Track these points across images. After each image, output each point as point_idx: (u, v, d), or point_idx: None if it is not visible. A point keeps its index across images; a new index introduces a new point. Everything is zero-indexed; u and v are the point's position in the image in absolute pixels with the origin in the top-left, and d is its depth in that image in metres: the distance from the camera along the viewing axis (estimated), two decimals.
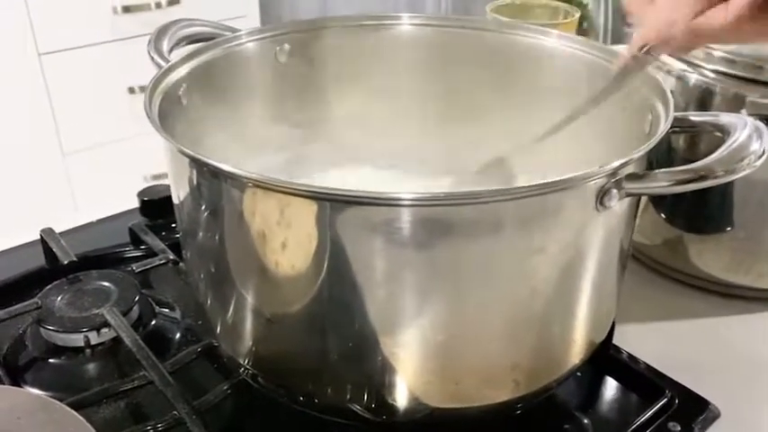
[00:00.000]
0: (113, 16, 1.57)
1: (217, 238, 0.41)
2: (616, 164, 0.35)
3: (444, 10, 2.21)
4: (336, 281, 0.38)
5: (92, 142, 1.63)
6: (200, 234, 0.42)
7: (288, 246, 0.38)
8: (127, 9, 1.58)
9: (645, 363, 0.51)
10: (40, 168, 1.57)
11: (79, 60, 1.56)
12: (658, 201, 0.61)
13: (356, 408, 0.42)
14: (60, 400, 0.42)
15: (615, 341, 0.51)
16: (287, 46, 0.54)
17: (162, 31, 0.51)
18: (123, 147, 1.64)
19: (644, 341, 0.56)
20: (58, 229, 0.62)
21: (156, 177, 1.63)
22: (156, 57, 0.49)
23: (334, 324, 0.40)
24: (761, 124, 0.38)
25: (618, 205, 0.37)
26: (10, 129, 1.51)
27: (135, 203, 0.67)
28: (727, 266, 0.59)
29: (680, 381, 0.50)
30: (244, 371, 0.45)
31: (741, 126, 0.38)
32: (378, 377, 0.40)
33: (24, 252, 0.63)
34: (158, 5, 1.61)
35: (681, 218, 0.61)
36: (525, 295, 0.39)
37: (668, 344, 0.57)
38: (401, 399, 0.41)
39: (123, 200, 0.69)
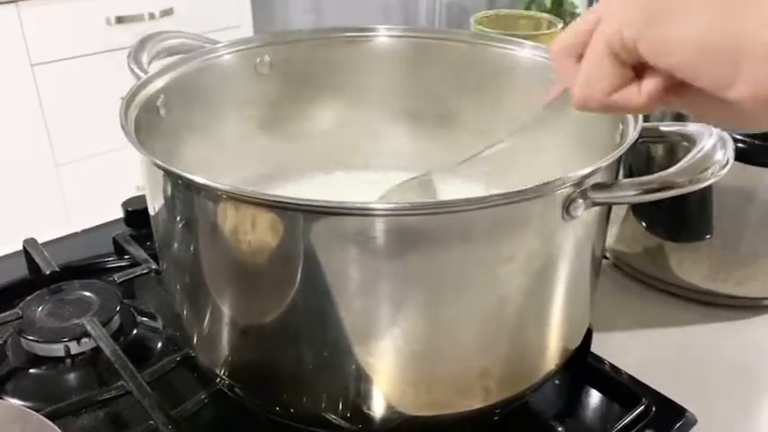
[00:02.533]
0: (106, 27, 1.58)
1: (191, 249, 0.41)
2: (581, 173, 0.36)
3: (438, 22, 2.23)
4: (310, 291, 0.38)
5: (84, 152, 1.63)
6: (176, 245, 0.43)
7: (261, 256, 0.38)
8: (120, 20, 1.59)
9: (622, 371, 0.52)
10: (33, 178, 1.58)
11: (72, 71, 1.57)
12: (639, 209, 0.62)
13: (332, 417, 0.42)
14: (39, 410, 0.43)
15: (594, 349, 0.52)
16: (267, 57, 0.55)
17: (142, 44, 0.52)
18: (115, 157, 1.64)
19: (624, 349, 0.57)
20: (44, 240, 0.62)
21: None
22: (135, 68, 0.50)
23: (308, 334, 0.40)
24: (725, 134, 0.38)
25: (585, 214, 0.38)
26: (2, 139, 1.51)
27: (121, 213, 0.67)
28: (706, 275, 0.60)
29: (660, 389, 0.50)
30: (220, 381, 0.46)
31: (707, 136, 0.38)
32: (353, 386, 0.41)
33: (8, 262, 0.64)
34: (152, 16, 1.62)
35: (660, 227, 0.61)
36: (496, 303, 0.39)
37: (648, 352, 0.58)
38: (376, 407, 0.42)
39: (115, 210, 0.69)
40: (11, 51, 1.48)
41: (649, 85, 0.31)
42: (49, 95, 1.55)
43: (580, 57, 0.33)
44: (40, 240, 0.63)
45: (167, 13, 1.64)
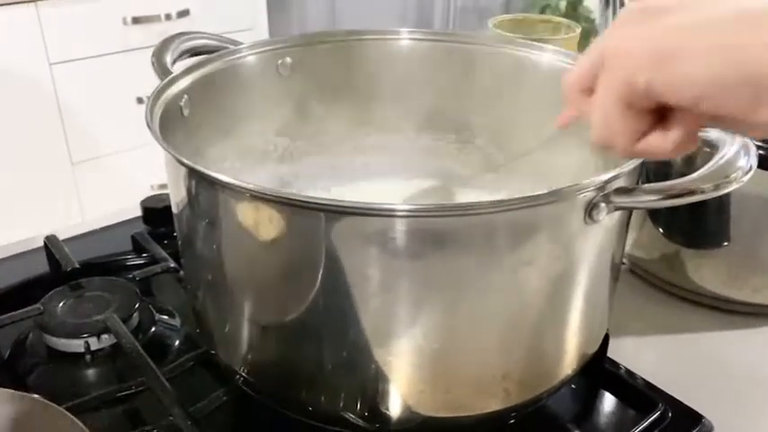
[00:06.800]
0: (123, 27, 1.59)
1: (214, 247, 0.41)
2: (604, 177, 0.36)
3: (452, 25, 2.23)
4: (331, 290, 0.39)
5: (100, 151, 1.64)
6: (198, 243, 0.43)
7: (283, 255, 0.39)
8: (136, 20, 1.60)
9: (639, 376, 0.52)
10: (49, 177, 1.59)
11: (89, 70, 1.58)
12: (656, 215, 0.61)
13: (349, 416, 0.42)
14: (59, 405, 0.43)
15: (611, 354, 0.52)
16: (288, 59, 0.55)
17: (166, 44, 0.52)
18: (131, 156, 1.66)
19: (640, 355, 0.57)
20: (64, 237, 0.63)
21: (162, 187, 1.64)
22: (158, 68, 0.50)
23: (328, 333, 0.40)
24: (748, 141, 0.38)
25: (607, 219, 0.38)
26: (20, 137, 1.52)
27: (139, 212, 0.68)
28: (723, 281, 0.59)
29: (676, 395, 0.50)
30: (239, 378, 0.46)
31: (729, 142, 0.38)
32: (371, 386, 0.41)
33: (29, 258, 0.64)
34: (168, 17, 1.63)
35: (678, 233, 0.61)
36: (516, 306, 0.39)
37: (664, 358, 0.58)
38: (394, 407, 0.42)
39: (129, 209, 0.70)
40: (30, 50, 1.50)
41: (674, 135, 0.31)
42: (66, 94, 1.56)
43: (591, 91, 0.32)
44: None
45: (183, 14, 1.65)
